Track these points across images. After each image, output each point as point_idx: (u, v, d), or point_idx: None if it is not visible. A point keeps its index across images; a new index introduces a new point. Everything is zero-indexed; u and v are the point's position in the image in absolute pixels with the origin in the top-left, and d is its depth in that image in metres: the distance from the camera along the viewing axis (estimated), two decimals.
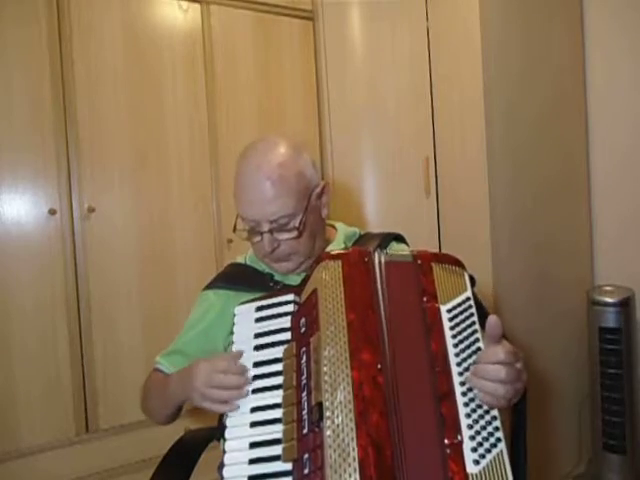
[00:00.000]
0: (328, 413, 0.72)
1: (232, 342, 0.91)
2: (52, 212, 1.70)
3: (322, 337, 0.78)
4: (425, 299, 0.85)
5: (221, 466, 0.80)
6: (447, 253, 0.93)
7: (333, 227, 1.21)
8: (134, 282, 1.83)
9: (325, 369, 0.76)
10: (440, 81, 1.97)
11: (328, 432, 0.71)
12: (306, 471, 0.72)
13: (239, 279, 1.13)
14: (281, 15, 2.12)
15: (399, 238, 1.20)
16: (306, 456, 0.73)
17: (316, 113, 2.18)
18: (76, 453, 1.72)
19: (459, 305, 0.85)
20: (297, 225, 1.02)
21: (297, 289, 0.93)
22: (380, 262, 0.88)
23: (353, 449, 0.69)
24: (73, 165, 1.74)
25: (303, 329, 0.84)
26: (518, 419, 0.97)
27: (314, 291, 0.85)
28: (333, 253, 0.90)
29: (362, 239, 1.17)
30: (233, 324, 0.93)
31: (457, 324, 0.83)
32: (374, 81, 2.07)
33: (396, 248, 1.14)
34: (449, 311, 0.84)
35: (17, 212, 1.67)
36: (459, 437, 0.73)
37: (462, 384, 0.78)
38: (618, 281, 2.01)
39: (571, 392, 2.05)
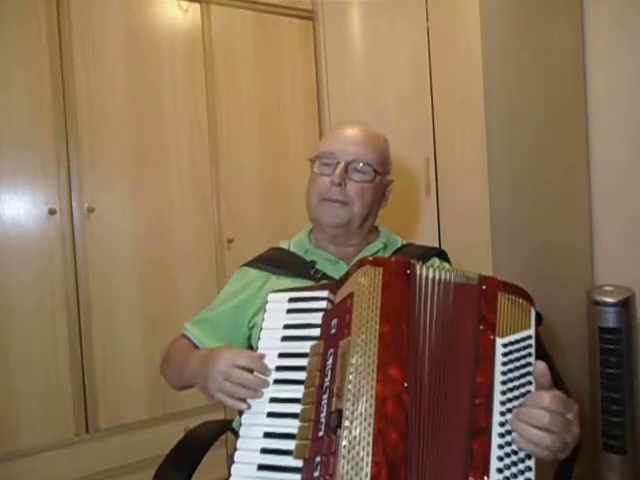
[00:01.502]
0: (347, 423, 0.71)
1: (261, 328, 0.90)
2: (52, 212, 1.70)
3: (352, 344, 0.77)
4: (482, 327, 0.81)
5: (234, 451, 0.80)
6: (516, 284, 0.88)
7: (378, 230, 1.22)
8: (134, 282, 1.83)
9: (350, 377, 0.74)
10: (440, 81, 1.97)
11: (344, 442, 0.70)
12: (316, 474, 0.72)
13: (282, 262, 1.13)
14: (281, 15, 2.12)
15: (442, 254, 1.20)
16: (318, 459, 0.73)
17: (316, 113, 2.18)
18: (76, 453, 1.72)
19: (517, 342, 0.80)
20: (373, 169, 1.09)
21: (334, 285, 0.92)
22: (426, 276, 0.83)
23: (367, 464, 0.68)
24: (73, 165, 1.74)
25: (333, 330, 0.83)
26: (561, 477, 0.89)
27: (350, 294, 0.83)
28: (375, 259, 0.86)
29: (404, 249, 1.16)
30: (264, 310, 0.93)
31: (510, 361, 0.79)
32: (374, 81, 2.07)
33: (437, 265, 1.13)
34: (505, 346, 0.80)
35: (17, 212, 1.66)
36: (485, 478, 0.70)
37: (502, 425, 0.74)
38: (618, 281, 2.01)
39: (571, 392, 2.05)
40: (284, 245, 1.19)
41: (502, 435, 0.73)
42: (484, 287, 0.85)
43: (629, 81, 2.08)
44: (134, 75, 1.84)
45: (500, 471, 0.71)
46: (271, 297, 0.93)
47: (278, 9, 2.10)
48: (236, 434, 0.84)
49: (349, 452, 0.69)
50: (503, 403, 0.76)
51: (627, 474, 1.89)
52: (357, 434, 0.70)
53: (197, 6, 1.96)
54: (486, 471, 0.71)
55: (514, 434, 0.73)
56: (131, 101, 1.83)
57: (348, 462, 0.69)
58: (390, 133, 2.05)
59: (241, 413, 0.84)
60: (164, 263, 1.88)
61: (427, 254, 1.14)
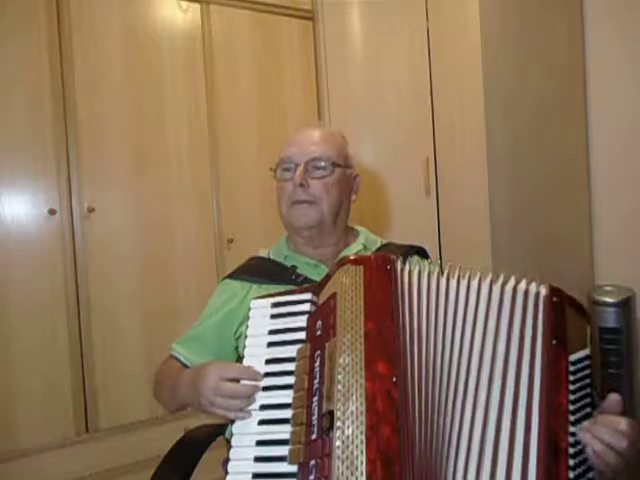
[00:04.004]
0: (339, 423, 0.71)
1: (245, 336, 0.90)
2: (52, 212, 1.70)
3: (338, 344, 0.76)
4: (554, 342, 0.78)
5: (227, 460, 0.80)
6: (578, 300, 0.86)
7: (356, 231, 1.21)
8: (134, 282, 1.83)
9: (339, 377, 0.74)
10: (440, 81, 1.97)
11: (337, 442, 0.70)
12: (312, 477, 0.72)
13: (262, 271, 1.13)
14: (281, 15, 2.12)
15: (422, 252, 1.19)
16: (313, 462, 0.72)
17: (316, 113, 2.18)
18: (76, 453, 1.72)
19: (580, 361, 0.80)
20: (332, 162, 1.09)
21: (316, 287, 0.91)
22: (403, 270, 0.83)
23: (362, 462, 0.68)
24: (73, 165, 1.74)
25: (319, 332, 0.82)
26: None
27: (333, 295, 0.82)
28: (355, 257, 0.86)
29: (384, 248, 1.16)
30: (248, 317, 0.92)
31: (577, 380, 0.78)
32: (374, 81, 2.07)
33: (423, 266, 1.13)
34: (573, 364, 0.79)
35: (17, 212, 1.67)
36: None
37: (572, 445, 0.74)
38: (618, 281, 2.01)
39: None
40: (263, 254, 1.19)
41: (573, 456, 0.73)
42: (555, 299, 0.82)
43: (628, 75, 2.07)
44: (134, 75, 1.84)
45: None
46: (254, 304, 0.93)
47: (278, 9, 2.10)
48: (229, 443, 0.83)
49: (343, 452, 0.69)
50: (572, 424, 0.75)
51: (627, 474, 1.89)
52: (350, 433, 0.70)
53: (197, 6, 1.95)
54: None
55: (588, 449, 0.73)
56: (131, 101, 1.83)
57: (343, 462, 0.68)
58: (390, 133, 2.07)
59: (232, 422, 0.83)
60: (164, 263, 1.88)
61: (408, 253, 1.13)
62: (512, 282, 0.83)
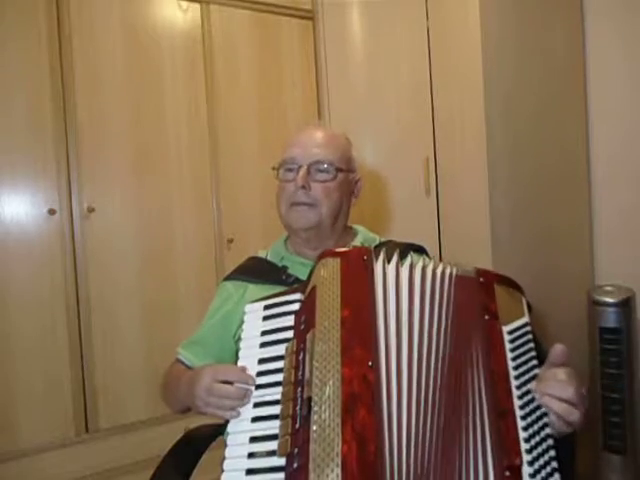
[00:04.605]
0: (316, 408, 0.73)
1: (240, 339, 0.92)
2: (52, 212, 1.70)
3: (316, 333, 0.79)
4: (487, 317, 0.85)
5: (222, 459, 0.81)
6: (508, 276, 0.93)
7: (354, 230, 1.22)
8: (134, 282, 1.83)
9: (316, 364, 0.76)
10: (440, 80, 1.97)
11: (314, 427, 0.72)
12: (295, 465, 0.72)
13: (256, 271, 1.15)
14: (281, 15, 2.12)
15: (420, 250, 1.20)
16: (296, 451, 0.74)
17: (316, 113, 2.18)
18: (76, 453, 1.73)
19: (519, 329, 0.86)
20: (335, 167, 1.09)
21: (304, 285, 0.93)
22: (391, 262, 0.86)
23: (337, 444, 0.69)
24: (73, 165, 1.74)
25: (302, 326, 0.85)
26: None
27: (314, 288, 0.85)
28: (334, 251, 0.89)
29: (381, 246, 1.16)
30: (242, 322, 0.94)
31: (517, 347, 0.84)
32: (374, 81, 2.07)
33: (415, 259, 1.14)
34: (510, 333, 0.85)
35: (17, 212, 1.67)
36: (518, 460, 0.73)
37: (522, 407, 0.78)
38: (619, 281, 2.01)
39: None
40: (262, 254, 1.20)
41: (524, 417, 0.77)
42: (482, 279, 0.89)
43: (628, 71, 2.06)
44: (134, 75, 1.84)
45: (529, 452, 0.74)
46: (248, 308, 0.95)
47: (278, 9, 2.10)
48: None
49: (320, 435, 0.71)
50: (519, 387, 0.80)
51: (627, 474, 1.89)
52: (326, 417, 0.72)
53: (197, 6, 1.96)
54: (519, 452, 0.74)
55: (549, 413, 0.77)
56: (131, 101, 1.83)
57: (320, 444, 0.70)
58: (390, 133, 2.07)
59: (227, 422, 0.84)
60: (164, 263, 1.88)
61: (405, 250, 1.14)
62: (446, 268, 0.89)
